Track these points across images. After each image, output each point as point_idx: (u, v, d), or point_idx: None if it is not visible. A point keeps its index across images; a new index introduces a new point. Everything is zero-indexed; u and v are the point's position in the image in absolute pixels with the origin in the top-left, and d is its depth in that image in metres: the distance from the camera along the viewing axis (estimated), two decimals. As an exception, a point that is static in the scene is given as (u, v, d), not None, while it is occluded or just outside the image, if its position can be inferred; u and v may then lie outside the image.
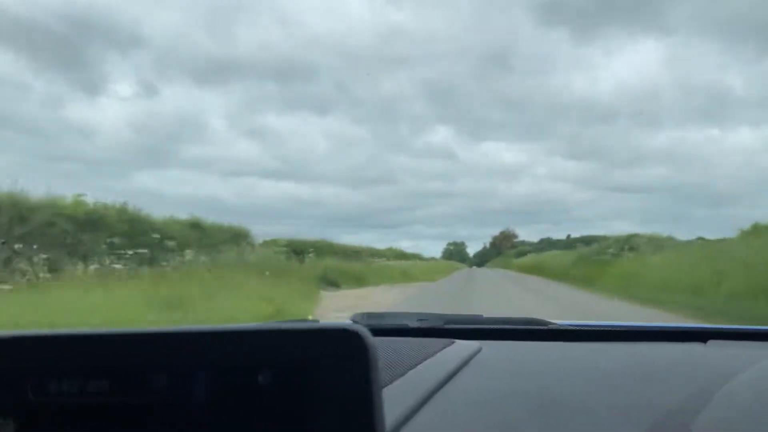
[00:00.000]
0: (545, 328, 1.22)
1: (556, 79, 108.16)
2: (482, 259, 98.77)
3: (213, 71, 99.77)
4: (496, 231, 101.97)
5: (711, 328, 1.19)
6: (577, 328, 1.23)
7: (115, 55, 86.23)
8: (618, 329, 1.23)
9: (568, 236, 63.23)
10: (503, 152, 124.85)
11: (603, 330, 1.23)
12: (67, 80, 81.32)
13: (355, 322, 1.17)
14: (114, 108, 79.63)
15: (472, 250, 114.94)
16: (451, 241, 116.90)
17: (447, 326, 1.20)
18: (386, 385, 0.69)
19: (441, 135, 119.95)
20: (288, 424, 0.39)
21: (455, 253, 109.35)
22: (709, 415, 0.63)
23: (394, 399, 0.64)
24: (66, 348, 0.42)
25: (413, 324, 1.21)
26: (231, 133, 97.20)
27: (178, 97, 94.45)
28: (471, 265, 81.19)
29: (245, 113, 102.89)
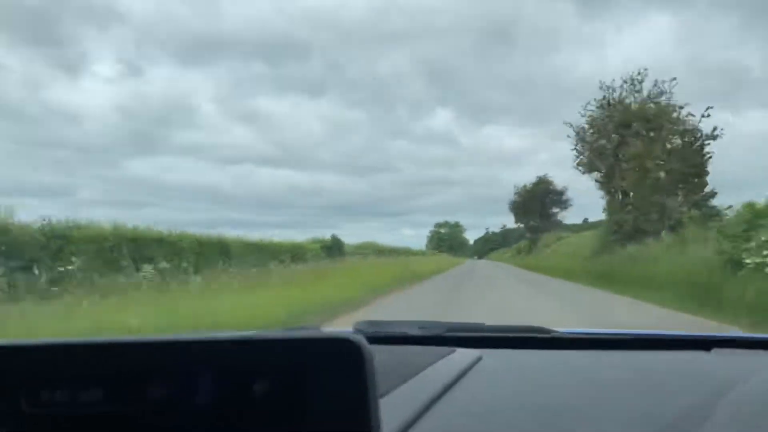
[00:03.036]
0: (547, 336, 1.21)
1: (561, 58, 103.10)
2: (485, 247, 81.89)
3: (200, 50, 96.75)
4: (498, 223, 75.27)
5: (715, 336, 1.19)
6: (579, 336, 1.23)
7: (92, 31, 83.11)
8: (621, 337, 1.23)
9: (585, 220, 58.44)
10: (506, 137, 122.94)
11: (605, 338, 1.23)
12: (45, 58, 78.80)
13: (357, 329, 1.17)
14: (98, 90, 77.57)
15: (472, 235, 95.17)
16: (441, 221, 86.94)
17: (448, 334, 1.20)
18: (386, 394, 0.69)
19: (441, 119, 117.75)
20: None
21: (447, 239, 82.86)
22: (714, 425, 0.63)
23: (394, 408, 0.63)
24: (60, 357, 0.42)
25: (415, 332, 1.21)
26: (222, 117, 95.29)
27: (164, 79, 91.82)
28: (472, 256, 68.85)
29: (236, 96, 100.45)
